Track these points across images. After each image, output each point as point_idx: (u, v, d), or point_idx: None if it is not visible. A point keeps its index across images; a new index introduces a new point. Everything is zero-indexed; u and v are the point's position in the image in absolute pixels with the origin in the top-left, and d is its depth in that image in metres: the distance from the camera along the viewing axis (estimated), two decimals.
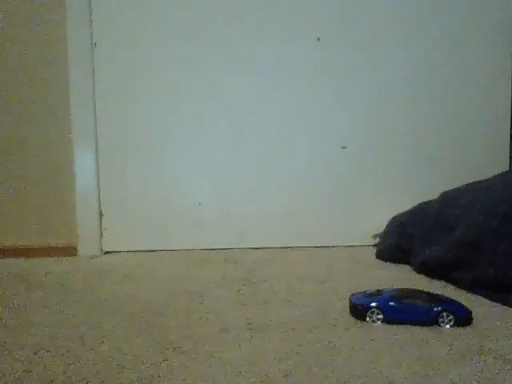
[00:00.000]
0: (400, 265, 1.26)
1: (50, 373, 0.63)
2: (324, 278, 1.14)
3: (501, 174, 1.18)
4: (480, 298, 0.95)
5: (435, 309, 0.80)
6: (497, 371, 0.62)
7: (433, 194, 1.29)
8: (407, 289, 0.87)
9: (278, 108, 1.52)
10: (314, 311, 0.88)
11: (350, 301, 0.86)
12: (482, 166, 1.47)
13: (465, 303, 0.91)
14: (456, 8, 1.52)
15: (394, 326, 0.79)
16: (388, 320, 0.80)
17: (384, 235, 1.41)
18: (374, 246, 1.47)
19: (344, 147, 1.53)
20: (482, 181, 1.17)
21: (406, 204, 1.36)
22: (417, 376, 0.61)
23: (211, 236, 1.52)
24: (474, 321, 0.81)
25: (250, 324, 0.81)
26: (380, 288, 0.88)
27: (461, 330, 0.77)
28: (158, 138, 1.51)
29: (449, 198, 1.20)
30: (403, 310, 0.80)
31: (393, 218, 1.40)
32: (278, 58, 1.50)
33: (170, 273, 1.22)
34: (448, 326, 0.79)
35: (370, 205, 1.54)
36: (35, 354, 0.70)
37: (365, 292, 0.88)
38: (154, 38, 1.49)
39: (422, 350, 0.70)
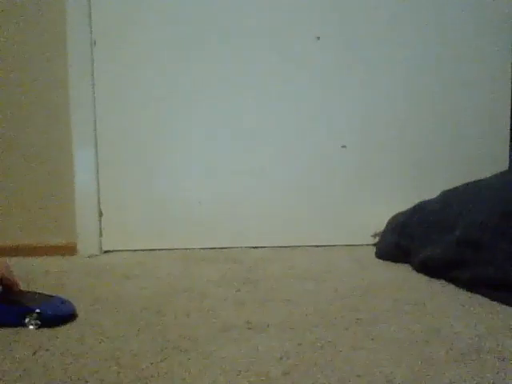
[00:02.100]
0: (400, 264, 1.26)
1: (49, 372, 0.63)
2: (324, 277, 1.14)
3: (501, 174, 1.18)
4: (480, 297, 0.95)
5: (20, 310, 0.80)
6: (497, 371, 0.62)
7: (433, 193, 1.29)
8: (16, 291, 0.86)
9: (277, 107, 1.51)
10: (313, 310, 0.88)
11: None
12: (482, 166, 1.46)
13: (464, 302, 0.92)
14: (455, 7, 1.52)
15: (394, 326, 0.79)
16: None
17: (384, 234, 1.41)
18: (373, 245, 1.47)
19: (344, 146, 1.53)
20: (481, 180, 1.17)
21: (405, 203, 1.36)
22: (417, 376, 0.61)
23: (211, 235, 1.52)
24: (474, 320, 0.81)
25: (250, 323, 0.81)
26: None
27: (461, 329, 0.77)
28: (157, 138, 1.51)
29: (449, 198, 1.20)
30: None
31: (392, 218, 1.40)
32: (277, 57, 1.50)
33: (170, 272, 1.22)
34: (33, 327, 0.79)
35: (370, 204, 1.54)
36: (34, 353, 0.69)
37: None
38: (154, 36, 1.49)
39: (422, 349, 0.69)
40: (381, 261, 1.33)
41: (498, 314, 0.85)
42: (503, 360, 0.65)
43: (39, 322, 0.79)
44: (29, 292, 0.88)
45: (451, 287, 1.03)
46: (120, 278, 1.16)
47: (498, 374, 0.61)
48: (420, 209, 1.28)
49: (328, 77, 1.51)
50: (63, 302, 0.86)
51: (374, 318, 0.84)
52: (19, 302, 0.83)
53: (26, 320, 0.79)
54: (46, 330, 0.78)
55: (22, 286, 1.09)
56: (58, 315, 0.82)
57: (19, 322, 0.79)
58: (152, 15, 1.48)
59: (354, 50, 1.51)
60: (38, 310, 0.80)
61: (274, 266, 1.28)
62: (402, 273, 1.18)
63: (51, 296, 0.87)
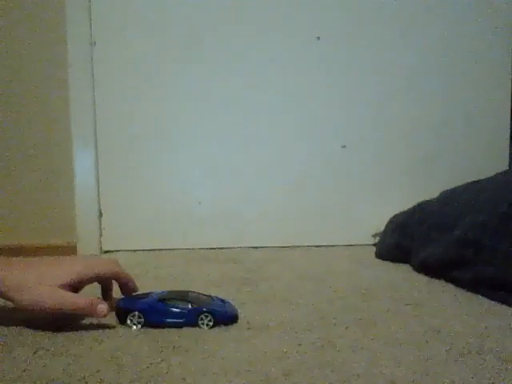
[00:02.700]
0: (399, 264, 1.26)
1: (49, 372, 0.63)
2: (323, 277, 1.14)
3: (501, 174, 1.18)
4: (480, 297, 0.95)
5: (194, 310, 0.79)
6: (497, 371, 0.62)
7: (433, 193, 1.29)
8: (178, 291, 0.85)
9: (277, 107, 1.52)
10: (313, 310, 0.88)
11: (116, 304, 0.82)
12: (482, 166, 1.47)
13: (464, 302, 0.92)
14: (455, 7, 1.52)
15: (394, 326, 0.79)
16: (148, 323, 0.79)
17: (383, 234, 1.41)
18: (373, 245, 1.47)
19: (344, 146, 1.53)
20: (481, 180, 1.17)
21: (406, 204, 1.36)
22: (417, 376, 0.61)
23: (211, 235, 1.52)
24: (474, 320, 0.81)
25: (250, 323, 0.81)
26: (150, 291, 0.86)
27: (461, 329, 0.77)
28: (157, 138, 1.51)
29: (448, 198, 1.20)
30: (164, 313, 0.79)
31: (392, 218, 1.41)
32: (277, 57, 1.50)
33: (170, 272, 1.22)
34: (206, 327, 0.79)
35: (370, 204, 1.54)
36: (35, 353, 0.69)
37: (134, 295, 0.85)
38: (153, 37, 1.49)
39: (422, 349, 0.69)
40: (381, 261, 1.33)
41: (498, 314, 0.85)
42: (503, 360, 0.65)
43: (211, 323, 0.79)
44: (189, 291, 0.85)
45: (451, 287, 1.03)
46: None
47: (497, 374, 0.61)
48: (420, 209, 1.28)
49: (328, 77, 1.52)
50: (223, 301, 0.85)
51: (373, 318, 0.84)
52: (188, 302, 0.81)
53: (199, 320, 0.79)
54: (45, 330, 0.78)
55: None
56: (228, 315, 0.82)
57: (194, 323, 0.79)
58: (152, 16, 1.48)
59: (354, 50, 1.51)
60: (211, 310, 0.79)
61: (274, 266, 1.28)
62: (402, 273, 1.18)
63: (208, 295, 0.86)
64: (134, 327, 0.79)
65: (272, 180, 1.53)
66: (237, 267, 1.26)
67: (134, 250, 1.50)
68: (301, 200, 1.54)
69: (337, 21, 1.51)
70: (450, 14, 1.52)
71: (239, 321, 0.83)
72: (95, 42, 1.48)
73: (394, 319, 0.83)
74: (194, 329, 0.79)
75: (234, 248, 1.51)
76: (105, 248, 1.51)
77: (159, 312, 0.79)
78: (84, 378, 0.61)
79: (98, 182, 1.50)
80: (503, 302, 0.90)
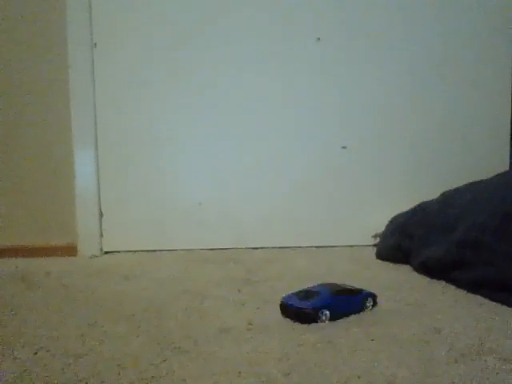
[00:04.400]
0: (400, 265, 1.26)
1: (49, 373, 0.63)
2: (324, 278, 1.14)
3: (501, 174, 1.18)
4: (480, 297, 0.95)
5: (359, 296, 0.87)
6: (497, 371, 0.62)
7: (433, 194, 1.29)
8: (328, 283, 0.91)
9: (278, 108, 1.52)
10: None
11: (292, 305, 0.85)
12: (482, 166, 1.47)
13: (465, 303, 0.92)
14: (456, 7, 1.52)
15: (394, 326, 0.79)
16: (333, 316, 0.84)
17: (384, 235, 1.41)
18: (373, 245, 1.47)
19: (344, 147, 1.53)
20: (482, 181, 1.17)
21: (406, 204, 1.36)
22: (417, 376, 0.61)
23: (211, 236, 1.52)
24: (474, 321, 0.81)
25: (250, 324, 0.81)
26: (306, 287, 0.91)
27: (461, 330, 0.77)
28: (157, 138, 1.51)
29: (449, 198, 1.20)
30: (341, 304, 0.85)
31: (393, 218, 1.40)
32: (278, 57, 1.50)
33: (170, 273, 1.23)
34: (370, 309, 0.88)
35: (370, 205, 1.54)
36: (35, 353, 0.70)
37: (296, 294, 0.88)
38: (153, 37, 1.49)
39: (422, 350, 0.69)
40: (381, 262, 1.33)
41: (498, 314, 0.85)
42: (503, 360, 0.65)
43: (370, 305, 0.88)
44: (333, 283, 0.92)
45: (451, 288, 1.03)
46: (120, 279, 1.16)
47: (498, 374, 0.61)
48: (420, 209, 1.28)
49: (328, 77, 1.52)
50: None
51: (374, 318, 0.84)
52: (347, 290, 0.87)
53: (365, 304, 0.88)
54: (45, 331, 0.78)
55: (22, 287, 1.09)
56: (374, 297, 0.90)
57: (362, 308, 0.87)
58: (151, 18, 1.48)
59: (354, 51, 1.51)
60: (370, 293, 0.89)
61: (275, 266, 1.28)
62: (403, 274, 1.18)
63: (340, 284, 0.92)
64: (326, 322, 0.83)
65: (272, 181, 1.53)
66: (237, 268, 1.26)
67: (135, 251, 1.50)
68: (301, 201, 1.54)
69: (337, 21, 1.51)
70: (450, 14, 1.52)
71: (240, 321, 0.83)
72: (96, 44, 1.48)
73: (394, 319, 0.83)
74: (194, 329, 0.79)
75: (234, 249, 1.51)
76: (105, 249, 1.51)
77: (341, 305, 0.85)
78: (84, 378, 0.61)
79: (98, 182, 1.50)
80: (504, 302, 0.90)
